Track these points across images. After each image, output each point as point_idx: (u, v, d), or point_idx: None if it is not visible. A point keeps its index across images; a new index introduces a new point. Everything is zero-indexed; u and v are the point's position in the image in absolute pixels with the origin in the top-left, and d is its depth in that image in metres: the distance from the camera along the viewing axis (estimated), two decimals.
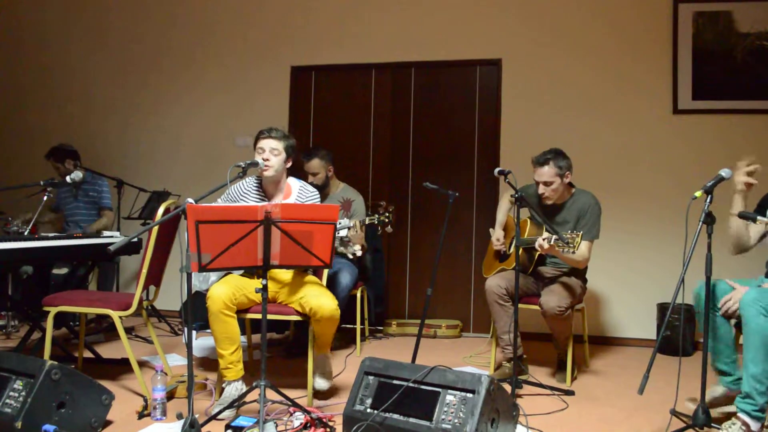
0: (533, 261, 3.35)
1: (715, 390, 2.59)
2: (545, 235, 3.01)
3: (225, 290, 2.70)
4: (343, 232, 2.97)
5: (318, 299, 2.72)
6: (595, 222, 3.26)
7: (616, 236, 4.25)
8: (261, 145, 2.92)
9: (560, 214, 3.33)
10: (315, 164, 3.96)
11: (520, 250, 3.19)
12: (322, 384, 2.89)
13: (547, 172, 3.21)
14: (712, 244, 2.29)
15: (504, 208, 3.63)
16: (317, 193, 3.10)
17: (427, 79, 4.86)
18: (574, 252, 2.88)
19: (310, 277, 2.97)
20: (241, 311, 2.80)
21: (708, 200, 2.29)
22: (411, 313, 4.85)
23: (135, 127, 5.29)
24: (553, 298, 3.12)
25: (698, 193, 2.30)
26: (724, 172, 2.36)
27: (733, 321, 2.55)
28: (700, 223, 2.27)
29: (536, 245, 3.04)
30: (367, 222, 3.23)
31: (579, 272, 3.39)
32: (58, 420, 2.24)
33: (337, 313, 2.77)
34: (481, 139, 4.75)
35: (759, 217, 2.52)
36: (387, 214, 3.15)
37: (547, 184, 3.24)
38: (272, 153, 2.90)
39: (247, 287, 2.79)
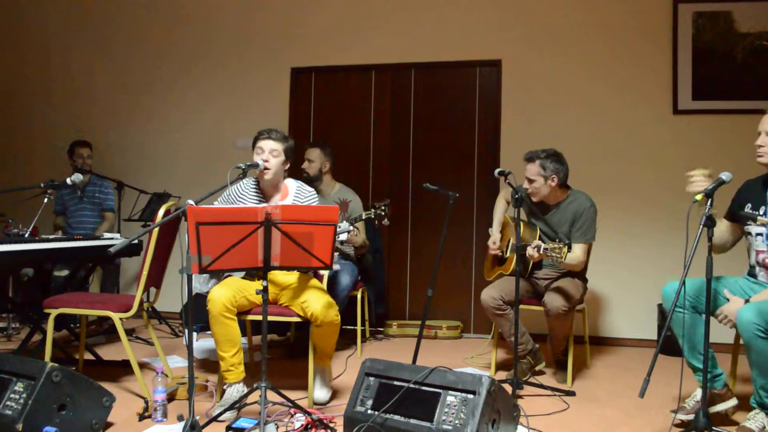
0: (529, 266, 3.34)
1: (699, 394, 2.59)
2: (534, 243, 3.01)
3: (225, 293, 2.70)
4: (343, 236, 2.97)
5: (319, 304, 2.71)
6: (590, 225, 3.25)
7: (616, 237, 4.25)
8: (260, 146, 2.92)
9: (555, 215, 3.33)
10: (314, 153, 4.02)
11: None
12: (321, 396, 2.88)
13: (530, 169, 3.24)
14: (712, 247, 2.30)
15: (501, 207, 3.62)
16: (315, 193, 3.10)
17: (427, 80, 4.86)
18: (561, 261, 2.90)
19: (313, 281, 2.96)
20: (241, 313, 2.80)
21: (709, 204, 2.29)
22: (411, 314, 4.85)
23: (136, 129, 5.29)
24: (558, 297, 3.13)
25: (699, 197, 2.30)
26: (725, 176, 2.35)
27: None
28: (701, 227, 2.27)
29: (527, 254, 3.05)
30: (363, 217, 3.23)
31: (578, 272, 3.39)
32: (59, 422, 2.24)
33: (338, 320, 2.77)
34: (481, 140, 4.75)
35: (759, 217, 2.53)
36: (382, 207, 3.15)
37: (530, 180, 3.26)
38: (272, 154, 2.90)
39: (248, 289, 2.79)
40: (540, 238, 3.34)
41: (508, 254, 3.42)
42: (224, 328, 2.68)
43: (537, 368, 3.41)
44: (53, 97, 5.45)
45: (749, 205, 2.61)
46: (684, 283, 2.30)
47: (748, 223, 2.60)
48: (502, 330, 3.33)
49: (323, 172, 4.04)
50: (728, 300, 2.51)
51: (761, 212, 2.55)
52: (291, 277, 2.99)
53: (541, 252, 2.95)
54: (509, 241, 3.43)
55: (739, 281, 2.65)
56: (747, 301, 2.43)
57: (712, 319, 2.52)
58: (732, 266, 2.87)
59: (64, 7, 5.45)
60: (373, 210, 3.16)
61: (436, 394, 2.22)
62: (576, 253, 3.18)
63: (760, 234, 2.57)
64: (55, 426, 2.22)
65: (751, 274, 2.65)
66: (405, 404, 2.25)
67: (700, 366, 2.53)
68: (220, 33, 5.12)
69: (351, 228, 3.05)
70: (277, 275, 2.99)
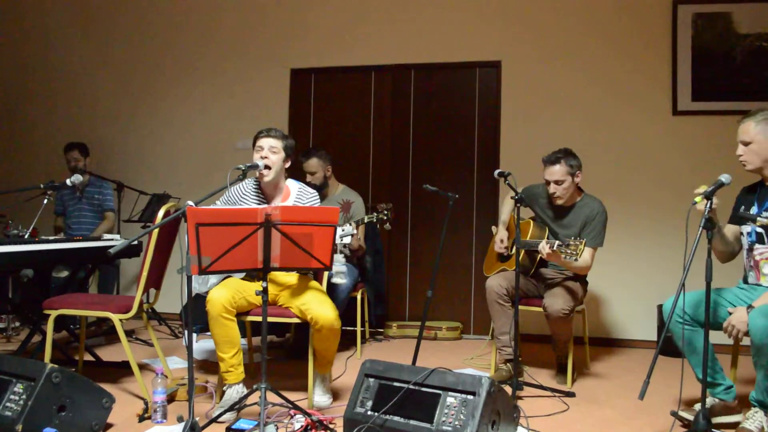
0: (535, 263, 3.34)
1: (707, 402, 2.58)
2: (548, 241, 3.00)
3: (224, 294, 2.70)
4: (346, 239, 2.96)
5: (319, 308, 2.71)
6: (600, 230, 3.25)
7: (616, 238, 4.24)
8: (260, 144, 2.93)
9: (567, 217, 3.32)
10: (313, 163, 3.97)
11: (522, 252, 3.18)
12: (323, 401, 2.87)
13: (558, 170, 3.20)
14: (721, 254, 2.29)
15: (508, 206, 3.58)
16: (317, 194, 3.09)
17: (427, 81, 4.86)
18: (576, 260, 2.87)
19: (313, 283, 2.95)
20: (241, 314, 2.79)
21: (708, 206, 2.28)
22: (411, 315, 4.84)
23: (136, 130, 5.29)
24: (558, 300, 3.12)
25: (698, 199, 2.30)
26: (724, 178, 2.35)
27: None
28: (700, 229, 2.27)
29: (539, 248, 3.04)
30: (366, 221, 3.23)
31: (580, 274, 3.39)
32: (58, 423, 2.24)
33: (338, 324, 2.75)
34: (481, 141, 4.75)
35: (759, 218, 2.53)
36: (385, 212, 3.15)
37: (558, 183, 3.22)
38: (271, 151, 2.90)
39: (247, 290, 2.79)
40: (548, 238, 3.33)
41: (513, 251, 3.42)
42: (223, 329, 2.68)
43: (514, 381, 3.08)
44: (54, 98, 5.46)
45: (743, 207, 2.64)
46: (683, 286, 2.28)
47: (744, 224, 2.61)
48: (496, 324, 3.28)
49: (327, 177, 4.04)
50: (731, 314, 2.50)
51: (750, 212, 2.57)
52: (291, 278, 2.99)
53: (555, 249, 2.92)
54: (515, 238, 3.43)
55: (735, 290, 2.65)
56: (750, 307, 2.39)
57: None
58: (730, 273, 2.87)
59: (65, 9, 5.45)
60: (375, 214, 3.16)
61: (436, 395, 2.22)
62: (584, 256, 3.14)
63: (749, 233, 2.58)
64: (54, 427, 2.22)
65: (745, 279, 2.66)
66: (405, 405, 2.25)
67: (709, 379, 2.53)
68: (220, 34, 5.12)
69: (355, 231, 3.05)
70: (277, 275, 2.99)
